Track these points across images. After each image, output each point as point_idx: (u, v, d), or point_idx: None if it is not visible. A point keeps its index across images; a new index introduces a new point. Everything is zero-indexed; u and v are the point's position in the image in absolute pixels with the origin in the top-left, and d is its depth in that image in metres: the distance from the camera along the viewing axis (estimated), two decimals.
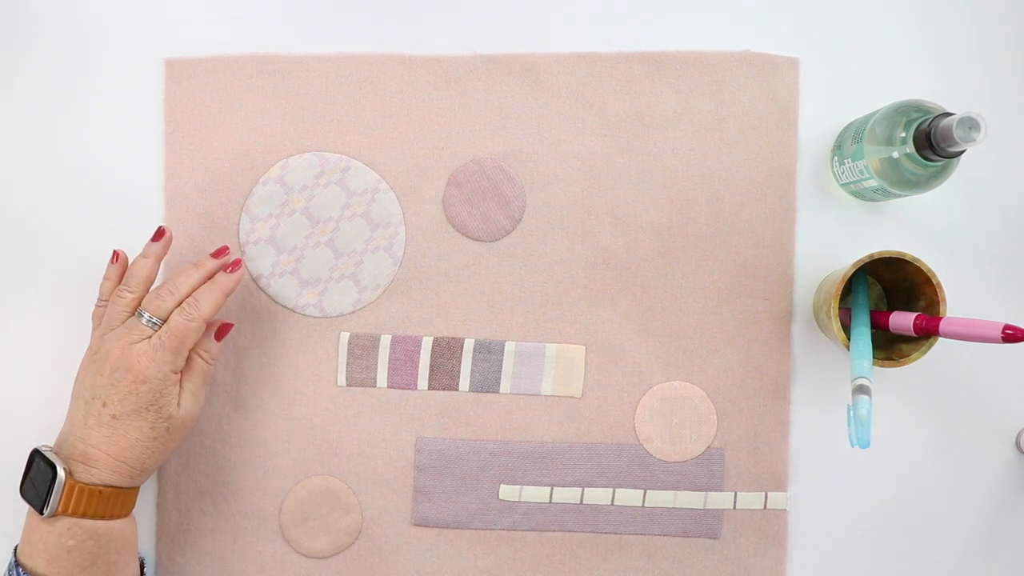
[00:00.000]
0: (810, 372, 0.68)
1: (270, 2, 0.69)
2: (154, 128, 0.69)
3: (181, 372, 0.62)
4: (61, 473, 0.58)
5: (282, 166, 0.68)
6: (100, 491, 0.59)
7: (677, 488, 0.68)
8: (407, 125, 0.68)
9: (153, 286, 0.64)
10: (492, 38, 0.68)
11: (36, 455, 0.60)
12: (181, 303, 0.61)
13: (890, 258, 0.60)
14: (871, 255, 0.60)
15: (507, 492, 0.68)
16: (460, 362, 0.68)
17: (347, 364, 0.68)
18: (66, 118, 0.69)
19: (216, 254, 0.65)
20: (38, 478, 0.59)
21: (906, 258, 0.60)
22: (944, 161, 0.57)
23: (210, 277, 0.63)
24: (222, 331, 0.64)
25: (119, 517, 0.60)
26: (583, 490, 0.68)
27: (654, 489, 0.68)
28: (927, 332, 0.59)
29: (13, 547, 0.61)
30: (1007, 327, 0.53)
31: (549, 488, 0.68)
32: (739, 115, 0.68)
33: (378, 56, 0.68)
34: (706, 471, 0.68)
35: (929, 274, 0.60)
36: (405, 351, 0.68)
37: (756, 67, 0.68)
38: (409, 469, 0.68)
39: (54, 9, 0.69)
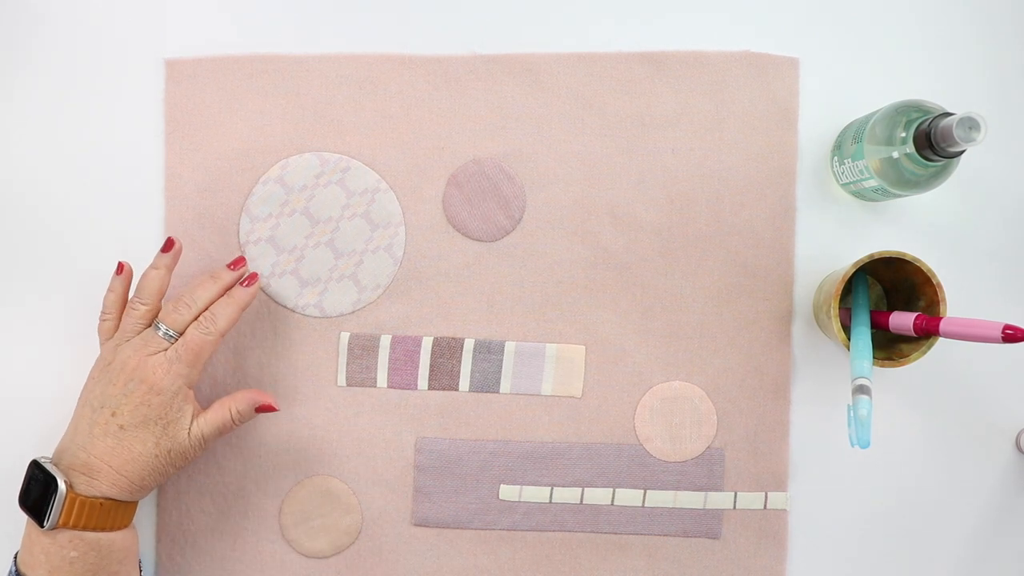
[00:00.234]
0: (810, 372, 0.68)
1: (270, 2, 0.69)
2: (154, 128, 0.69)
3: (206, 414, 0.62)
4: (62, 486, 0.57)
5: (282, 166, 0.68)
6: (101, 504, 0.59)
7: (677, 488, 0.68)
8: (407, 125, 0.68)
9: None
10: (492, 38, 0.68)
11: (35, 467, 0.59)
12: (198, 316, 0.62)
13: (890, 258, 0.60)
14: (871, 255, 0.60)
15: (507, 492, 0.68)
16: (460, 362, 0.68)
17: (347, 364, 0.68)
18: (66, 118, 0.69)
19: (232, 265, 0.65)
20: (37, 490, 0.58)
21: (906, 258, 0.60)
22: (944, 161, 0.57)
23: (227, 290, 0.64)
24: (264, 408, 0.64)
25: (119, 528, 0.60)
26: (583, 490, 0.68)
27: (654, 489, 0.68)
28: (927, 332, 0.59)
29: (13, 555, 0.61)
30: (1007, 327, 0.53)
31: (549, 488, 0.68)
32: (739, 115, 0.68)
33: (378, 56, 0.68)
34: (706, 471, 0.68)
35: (929, 274, 0.60)
36: (405, 351, 0.68)
37: (756, 67, 0.68)
38: (409, 469, 0.68)
39: (54, 9, 0.69)
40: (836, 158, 0.66)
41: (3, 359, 0.69)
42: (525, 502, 0.68)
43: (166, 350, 0.61)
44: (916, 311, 0.62)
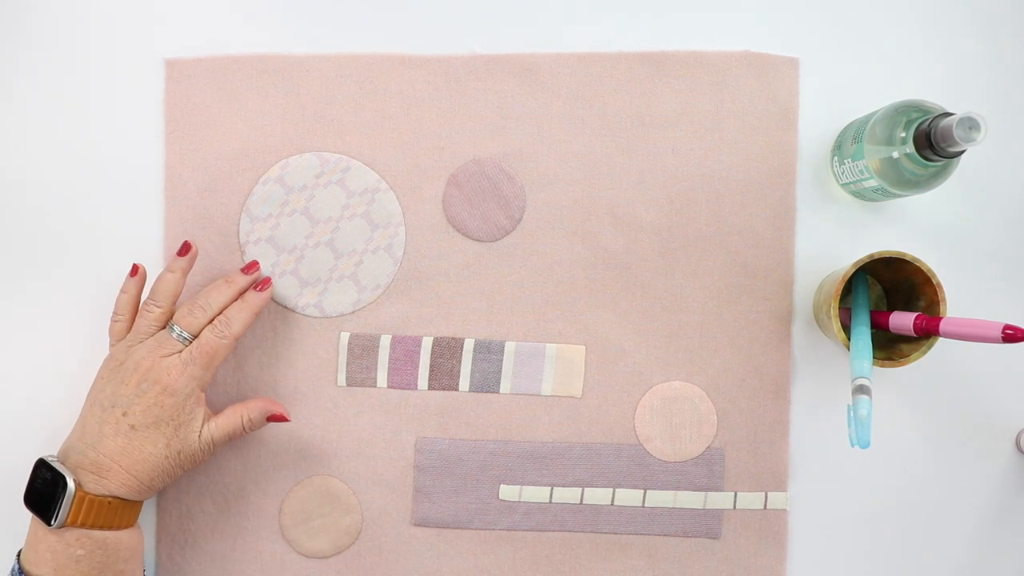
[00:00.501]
0: (810, 372, 0.68)
1: (270, 2, 0.69)
2: (154, 128, 0.69)
3: (217, 419, 0.63)
4: (71, 485, 0.58)
5: (282, 166, 0.68)
6: (109, 502, 0.59)
7: (677, 488, 0.68)
8: (407, 125, 0.68)
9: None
10: (492, 38, 0.68)
11: (41, 465, 0.59)
12: (212, 320, 0.63)
13: (890, 258, 0.60)
14: (871, 255, 0.60)
15: (507, 492, 0.68)
16: (460, 362, 0.68)
17: (347, 364, 0.68)
18: (66, 118, 0.69)
19: (246, 270, 0.66)
20: (45, 489, 0.59)
21: (906, 258, 0.60)
22: (944, 161, 0.57)
23: (240, 294, 0.65)
24: (275, 418, 0.65)
25: (125, 527, 0.61)
26: (583, 490, 0.68)
27: (654, 489, 0.68)
28: (927, 332, 0.59)
29: (16, 552, 0.61)
30: (1007, 327, 0.53)
31: (549, 488, 0.68)
32: (739, 115, 0.68)
33: (378, 56, 0.68)
34: (706, 471, 0.68)
35: (929, 274, 0.60)
36: (405, 351, 0.68)
37: (756, 67, 0.68)
38: (409, 469, 0.68)
39: (54, 9, 0.69)
40: (836, 158, 0.66)
41: (2, 359, 0.69)
42: (525, 502, 0.68)
43: (180, 352, 0.61)
44: (916, 311, 0.62)
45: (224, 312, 0.63)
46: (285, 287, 0.68)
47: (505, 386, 0.68)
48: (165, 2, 0.69)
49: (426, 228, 0.68)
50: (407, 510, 0.68)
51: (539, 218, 0.68)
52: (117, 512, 0.60)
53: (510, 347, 0.68)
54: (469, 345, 0.68)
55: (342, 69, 0.68)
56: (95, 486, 0.59)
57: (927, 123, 0.56)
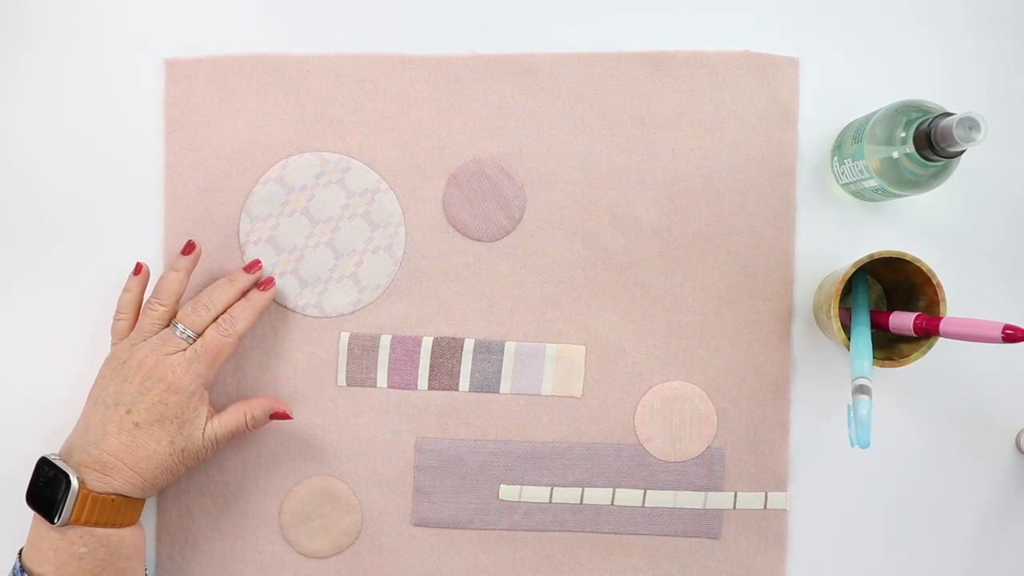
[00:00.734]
0: (810, 372, 0.68)
1: (270, 2, 0.69)
2: (154, 128, 0.69)
3: (221, 417, 0.63)
4: (75, 482, 0.58)
5: (282, 166, 0.68)
6: (112, 500, 0.59)
7: (677, 488, 0.68)
8: (407, 125, 0.68)
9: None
10: (492, 38, 0.68)
11: (44, 463, 0.60)
12: (216, 319, 0.63)
13: (890, 258, 0.60)
14: (871, 255, 0.60)
15: (507, 492, 0.68)
16: (460, 362, 0.68)
17: (347, 364, 0.68)
18: (66, 118, 0.69)
19: (248, 268, 0.66)
20: (47, 487, 0.59)
21: (906, 258, 0.60)
22: (944, 161, 0.57)
23: (244, 292, 0.65)
24: (278, 416, 0.65)
25: (128, 525, 0.61)
26: (583, 490, 0.68)
27: (654, 489, 0.68)
28: (927, 332, 0.59)
29: (17, 550, 0.61)
30: (1007, 327, 0.53)
31: (549, 488, 0.68)
32: (739, 115, 0.68)
33: (378, 56, 0.68)
34: (706, 471, 0.68)
35: (929, 274, 0.60)
36: (405, 351, 0.68)
37: (756, 67, 0.68)
38: (409, 469, 0.68)
39: (54, 9, 0.69)
40: (836, 158, 0.66)
41: (3, 358, 0.69)
42: (525, 502, 0.68)
43: (184, 350, 0.62)
44: (916, 311, 0.62)
45: (228, 311, 0.64)
46: (285, 287, 0.68)
47: (505, 386, 0.68)
48: (165, 2, 0.69)
49: (426, 228, 0.68)
50: (407, 510, 0.68)
51: (539, 218, 0.68)
52: (120, 510, 0.60)
53: (510, 347, 0.68)
54: (469, 345, 0.68)
55: (342, 69, 0.68)
56: (99, 484, 0.59)
57: (927, 123, 0.56)
